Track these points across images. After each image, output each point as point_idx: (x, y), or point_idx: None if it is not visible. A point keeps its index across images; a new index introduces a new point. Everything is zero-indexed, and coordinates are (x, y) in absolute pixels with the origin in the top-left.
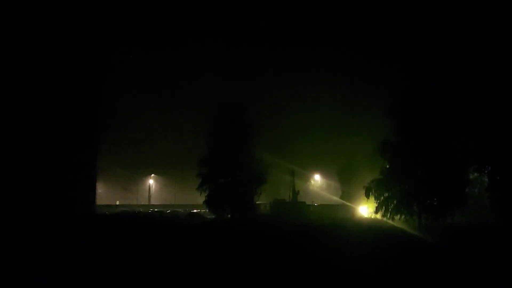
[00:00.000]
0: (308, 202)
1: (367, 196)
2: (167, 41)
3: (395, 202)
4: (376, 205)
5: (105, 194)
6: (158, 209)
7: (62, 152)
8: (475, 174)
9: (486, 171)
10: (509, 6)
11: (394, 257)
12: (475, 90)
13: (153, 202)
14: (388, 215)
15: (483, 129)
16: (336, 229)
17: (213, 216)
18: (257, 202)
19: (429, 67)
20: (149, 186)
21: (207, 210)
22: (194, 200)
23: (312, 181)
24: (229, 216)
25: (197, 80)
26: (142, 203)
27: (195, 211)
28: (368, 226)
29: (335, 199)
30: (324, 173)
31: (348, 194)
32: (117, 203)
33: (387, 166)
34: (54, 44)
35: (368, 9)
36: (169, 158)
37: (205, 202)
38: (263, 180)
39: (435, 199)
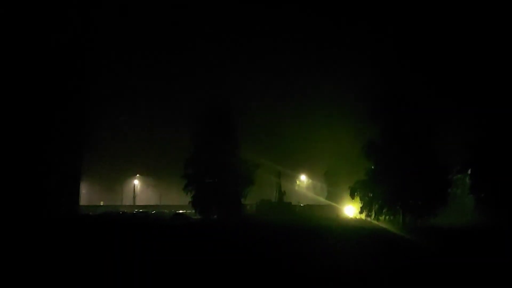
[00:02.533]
0: (294, 203)
1: (352, 196)
2: (153, 41)
3: (379, 202)
4: (361, 206)
5: (89, 195)
6: (143, 210)
7: (45, 152)
8: (458, 175)
9: (468, 172)
10: (487, 8)
11: (377, 256)
12: (458, 92)
13: (138, 202)
14: (373, 215)
15: (466, 130)
16: (321, 229)
17: (199, 217)
18: (243, 203)
19: (413, 69)
20: (134, 186)
21: (193, 211)
22: (180, 201)
23: (298, 182)
24: (215, 217)
25: (184, 80)
26: (127, 204)
27: (180, 211)
28: (353, 226)
29: (321, 199)
30: (310, 174)
31: (334, 194)
32: (101, 203)
33: (372, 167)
34: (40, 47)
35: (352, 12)
36: (155, 158)
37: (191, 203)
38: (250, 181)
39: (418, 199)
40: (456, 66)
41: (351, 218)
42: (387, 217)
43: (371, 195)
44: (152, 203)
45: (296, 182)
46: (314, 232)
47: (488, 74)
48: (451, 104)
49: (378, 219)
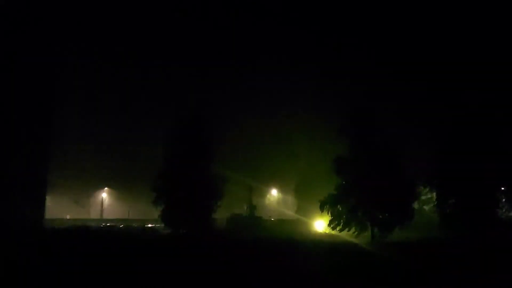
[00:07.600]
0: (264, 217)
1: (322, 210)
2: (125, 53)
3: (348, 216)
4: (330, 220)
5: (55, 207)
6: (111, 223)
7: (9, 163)
8: (427, 195)
9: (433, 186)
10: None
11: (341, 269)
12: (424, 108)
13: (106, 216)
14: (341, 229)
15: (431, 146)
16: (291, 243)
17: (168, 231)
18: (214, 217)
19: (379, 87)
20: (102, 199)
21: (162, 225)
22: (149, 215)
23: (269, 196)
24: (184, 231)
25: (155, 94)
26: (94, 217)
27: (149, 225)
28: (322, 241)
29: (292, 214)
30: (281, 188)
31: (304, 209)
32: (68, 217)
33: (341, 182)
34: (6, 57)
35: (323, 29)
36: (124, 171)
37: (160, 216)
38: (220, 195)
39: (386, 213)
40: (419, 83)
41: (321, 232)
42: (356, 231)
43: (340, 209)
44: (120, 216)
45: (267, 197)
46: (285, 247)
47: (450, 92)
48: (416, 121)
49: (347, 233)
